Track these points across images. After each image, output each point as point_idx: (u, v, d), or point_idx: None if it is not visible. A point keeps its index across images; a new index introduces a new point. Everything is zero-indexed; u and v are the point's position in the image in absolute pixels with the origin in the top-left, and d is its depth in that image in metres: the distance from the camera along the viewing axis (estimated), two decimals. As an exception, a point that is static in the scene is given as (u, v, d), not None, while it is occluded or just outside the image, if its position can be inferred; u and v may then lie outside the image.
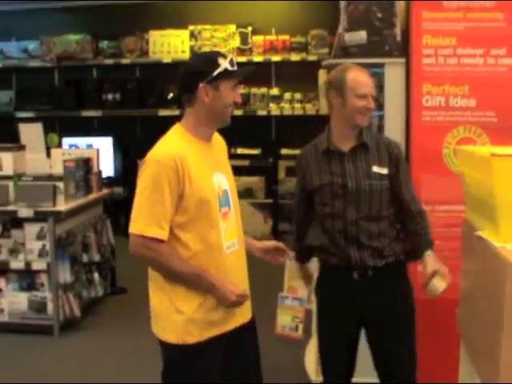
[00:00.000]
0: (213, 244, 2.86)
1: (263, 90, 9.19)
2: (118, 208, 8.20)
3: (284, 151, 9.14)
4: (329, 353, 3.48)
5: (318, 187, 3.31)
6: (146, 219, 2.75)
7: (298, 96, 9.12)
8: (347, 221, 3.24)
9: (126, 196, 8.71)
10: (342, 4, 4.26)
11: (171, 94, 9.09)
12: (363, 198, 3.21)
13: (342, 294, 3.31)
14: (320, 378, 4.39)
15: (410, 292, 3.31)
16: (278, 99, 9.17)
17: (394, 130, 4.14)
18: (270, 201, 9.24)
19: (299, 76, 8.98)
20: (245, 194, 9.29)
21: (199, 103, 2.86)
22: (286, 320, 5.62)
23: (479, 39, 4.03)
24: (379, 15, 4.08)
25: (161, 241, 2.76)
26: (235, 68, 2.89)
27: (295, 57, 9.05)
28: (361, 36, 4.12)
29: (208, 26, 9.14)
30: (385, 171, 3.21)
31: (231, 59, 2.87)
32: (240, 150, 9.12)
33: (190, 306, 2.84)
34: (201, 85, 2.81)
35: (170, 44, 9.14)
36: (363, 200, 3.22)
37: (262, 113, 9.15)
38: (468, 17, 4.02)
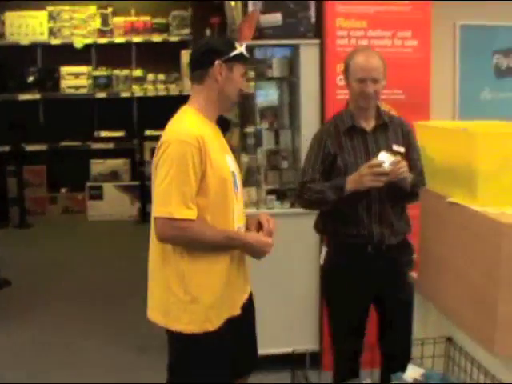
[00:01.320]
0: (229, 225, 2.88)
1: (126, 71, 9.12)
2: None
3: (148, 132, 9.09)
4: (342, 327, 3.50)
5: (342, 166, 3.33)
6: (175, 201, 2.70)
7: (161, 77, 9.15)
8: (371, 198, 3.30)
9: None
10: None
11: (31, 78, 8.80)
12: None
13: (356, 268, 3.37)
14: (262, 351, 4.47)
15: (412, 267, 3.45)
16: (141, 80, 9.14)
17: (309, 109, 4.35)
18: (136, 183, 9.20)
19: (162, 57, 9.03)
20: (110, 176, 9.23)
21: (211, 81, 2.86)
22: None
23: (387, 22, 4.31)
24: (294, -2, 4.23)
25: (191, 220, 2.74)
26: (248, 55, 2.97)
27: (157, 38, 9.06)
28: (276, 18, 4.25)
29: (67, 7, 8.92)
30: (402, 149, 3.29)
31: (246, 46, 2.95)
32: (104, 133, 9.01)
33: (208, 293, 2.83)
34: (217, 62, 2.83)
35: (28, 26, 8.81)
36: None
37: (125, 94, 9.08)
38: (377, 1, 4.27)
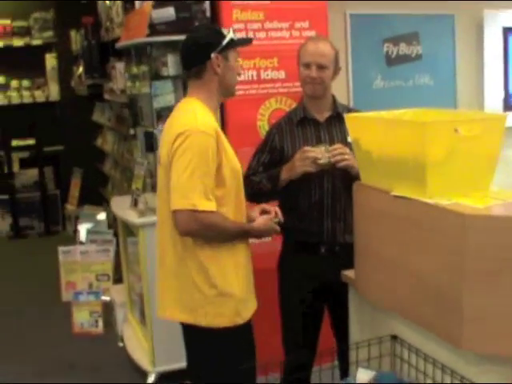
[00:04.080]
0: (241, 217, 2.88)
1: (-13, 79, 8.58)
2: None
3: (15, 142, 8.59)
4: (293, 331, 3.43)
5: (291, 156, 3.20)
6: (197, 193, 2.63)
7: (25, 83, 8.67)
8: (324, 190, 3.19)
9: None
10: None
11: None
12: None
13: (308, 269, 3.27)
14: (159, 368, 4.30)
15: None
16: (4, 88, 8.62)
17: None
18: (5, 196, 8.64)
19: (25, 62, 8.52)
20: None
21: (210, 74, 2.83)
22: (83, 317, 5.41)
23: (285, 13, 4.15)
24: (187, -9, 4.00)
25: (213, 212, 2.68)
26: (237, 38, 2.96)
27: (18, 42, 8.55)
28: (169, 12, 4.01)
29: None
30: None
31: (233, 29, 2.96)
32: (-35, 145, 8.44)
33: (234, 286, 2.79)
34: (213, 55, 2.80)
35: None
36: (338, 169, 3.17)
37: (-12, 103, 8.52)
38: (273, -8, 4.12)
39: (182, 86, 4.25)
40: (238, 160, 2.88)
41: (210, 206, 2.67)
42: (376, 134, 2.65)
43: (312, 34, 4.18)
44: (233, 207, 2.81)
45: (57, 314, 5.56)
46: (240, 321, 2.80)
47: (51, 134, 8.32)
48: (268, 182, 3.27)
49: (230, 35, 2.86)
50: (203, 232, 2.71)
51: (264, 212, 2.99)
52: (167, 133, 2.82)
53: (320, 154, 3.14)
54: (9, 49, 8.52)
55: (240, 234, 2.84)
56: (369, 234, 2.80)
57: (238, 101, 4.07)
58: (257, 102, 4.16)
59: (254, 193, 3.30)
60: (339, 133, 3.32)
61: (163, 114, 4.16)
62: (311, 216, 3.28)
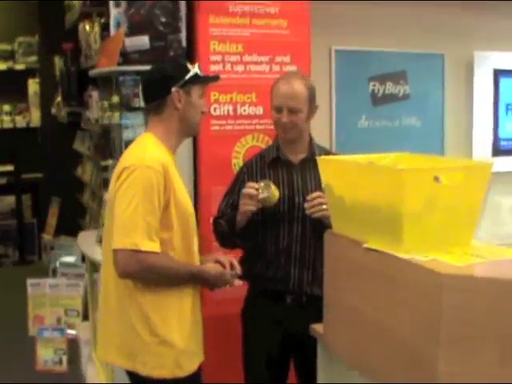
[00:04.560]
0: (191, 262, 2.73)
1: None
2: None
3: (-6, 168, 8.38)
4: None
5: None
6: (140, 232, 2.48)
7: (6, 108, 8.43)
8: (292, 237, 3.00)
9: None
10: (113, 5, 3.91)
11: None
12: None
13: (273, 319, 3.08)
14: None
15: None
16: (-16, 112, 8.40)
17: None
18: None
19: (7, 86, 8.31)
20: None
21: (170, 109, 2.70)
22: (47, 354, 5.15)
23: (265, 46, 3.95)
24: (163, 19, 3.81)
25: (157, 253, 2.52)
26: (203, 74, 2.84)
27: (1, 66, 8.38)
28: (143, 41, 3.81)
29: None
30: None
31: (199, 65, 2.80)
32: None
33: (177, 335, 2.61)
34: (173, 89, 2.67)
35: None
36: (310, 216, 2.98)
37: (-36, 128, 8.30)
38: (254, 23, 3.91)
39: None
40: (190, 203, 2.74)
41: (153, 246, 2.51)
42: (350, 180, 2.44)
43: (293, 68, 3.99)
44: (180, 253, 2.64)
45: (24, 349, 5.29)
46: (181, 374, 2.62)
47: (31, 161, 8.10)
48: (226, 224, 3.10)
49: (194, 70, 2.73)
50: (143, 274, 2.53)
51: (218, 263, 2.81)
52: (116, 168, 2.68)
53: (259, 189, 2.96)
54: (-9, 72, 8.34)
55: (187, 278, 2.66)
56: (339, 286, 2.58)
57: (213, 137, 3.89)
58: (232, 139, 3.95)
59: (220, 236, 3.15)
60: (313, 176, 3.11)
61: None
62: (278, 263, 3.09)
